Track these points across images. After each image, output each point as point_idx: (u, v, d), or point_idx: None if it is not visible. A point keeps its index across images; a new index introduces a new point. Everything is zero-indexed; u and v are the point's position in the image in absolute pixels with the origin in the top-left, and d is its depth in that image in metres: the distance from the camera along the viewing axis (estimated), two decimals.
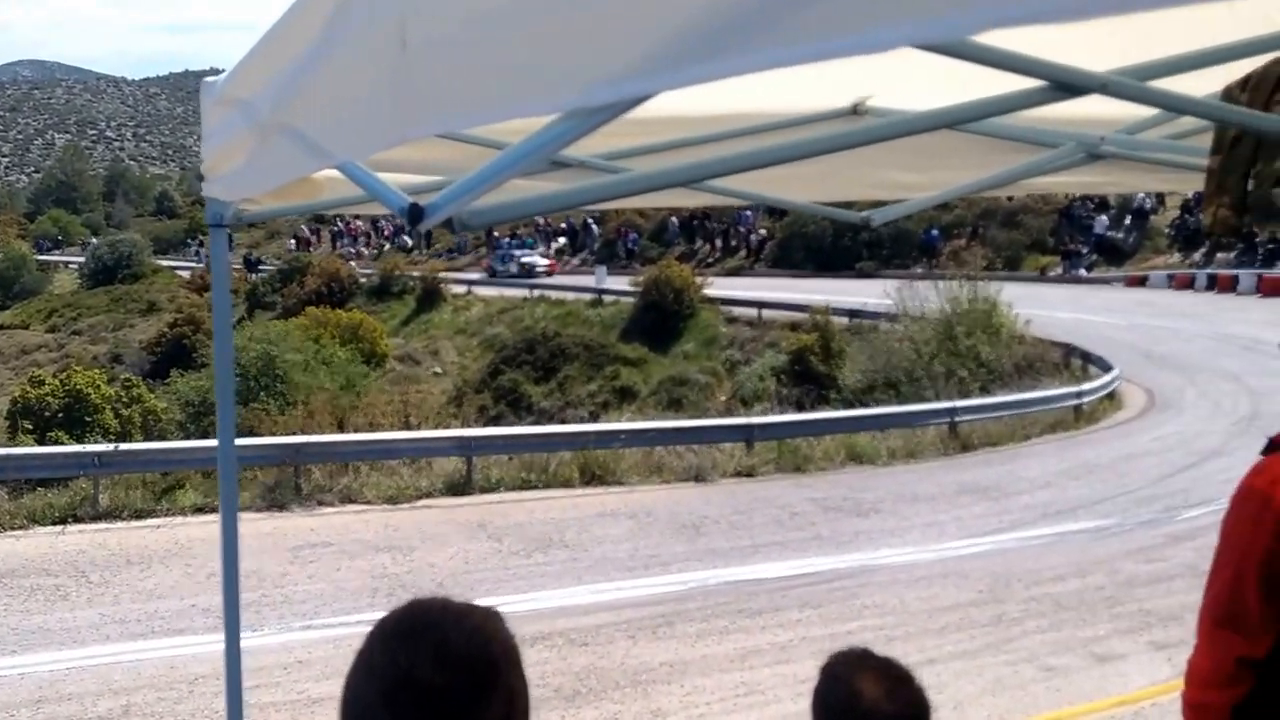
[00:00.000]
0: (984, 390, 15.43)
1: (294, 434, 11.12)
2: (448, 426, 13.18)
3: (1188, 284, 26.78)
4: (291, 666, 5.73)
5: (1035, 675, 5.59)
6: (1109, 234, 30.89)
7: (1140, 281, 28.16)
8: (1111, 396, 15.32)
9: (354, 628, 6.00)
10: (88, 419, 16.40)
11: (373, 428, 12.18)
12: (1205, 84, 1.34)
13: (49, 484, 9.84)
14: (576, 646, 6.04)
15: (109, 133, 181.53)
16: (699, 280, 27.57)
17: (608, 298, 29.45)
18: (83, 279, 47.54)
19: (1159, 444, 12.26)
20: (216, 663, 4.00)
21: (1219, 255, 28.11)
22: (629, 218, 37.16)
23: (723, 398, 21.43)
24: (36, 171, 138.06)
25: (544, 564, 7.78)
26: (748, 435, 11.76)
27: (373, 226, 46.72)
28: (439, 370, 27.24)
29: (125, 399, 17.58)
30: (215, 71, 1.89)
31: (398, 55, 0.76)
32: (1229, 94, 1.37)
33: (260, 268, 42.17)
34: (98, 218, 77.90)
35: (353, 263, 39.31)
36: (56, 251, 61.95)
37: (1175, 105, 1.25)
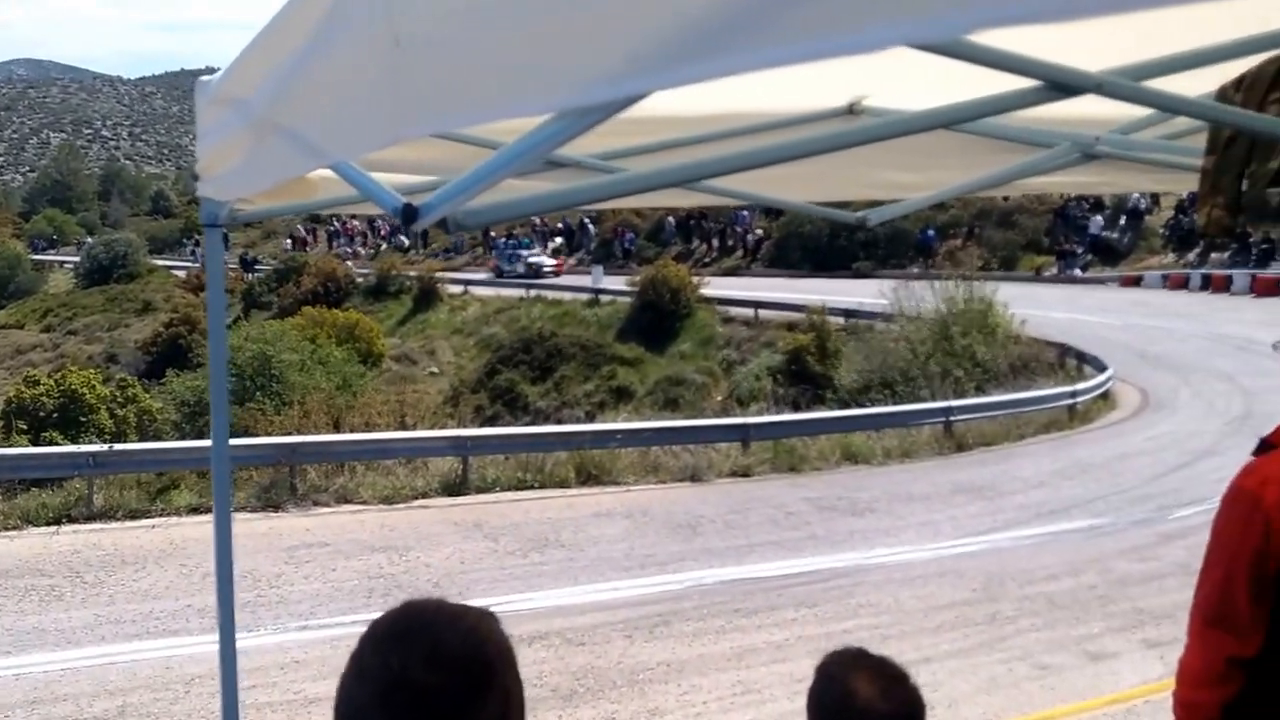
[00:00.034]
0: (979, 390, 15.46)
1: (290, 434, 11.10)
2: (444, 426, 13.16)
3: (1182, 284, 26.85)
4: (288, 666, 5.72)
5: (1029, 673, 5.60)
6: (1104, 234, 30.96)
7: (1135, 281, 28.23)
8: (1106, 396, 15.37)
9: (350, 628, 5.99)
10: (82, 419, 16.35)
11: (369, 428, 12.16)
12: (1200, 84, 1.35)
13: (44, 484, 9.82)
14: (573, 646, 6.04)
15: (104, 132, 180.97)
16: (695, 280, 27.58)
17: (604, 297, 29.46)
18: (78, 278, 47.42)
19: (1152, 443, 12.29)
20: (212, 663, 3.99)
21: (1213, 255, 28.18)
22: (626, 217, 37.16)
23: (719, 397, 21.43)
24: (32, 171, 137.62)
25: (540, 564, 7.78)
26: (743, 435, 11.76)
27: (369, 226, 46.66)
28: (435, 370, 27.21)
29: (120, 399, 17.53)
30: (211, 71, 1.89)
31: (392, 55, 0.76)
32: (1223, 94, 1.37)
33: (256, 267, 42.08)
34: (93, 217, 77.64)
35: (349, 262, 39.25)
36: (51, 251, 61.79)
37: (1170, 105, 1.25)
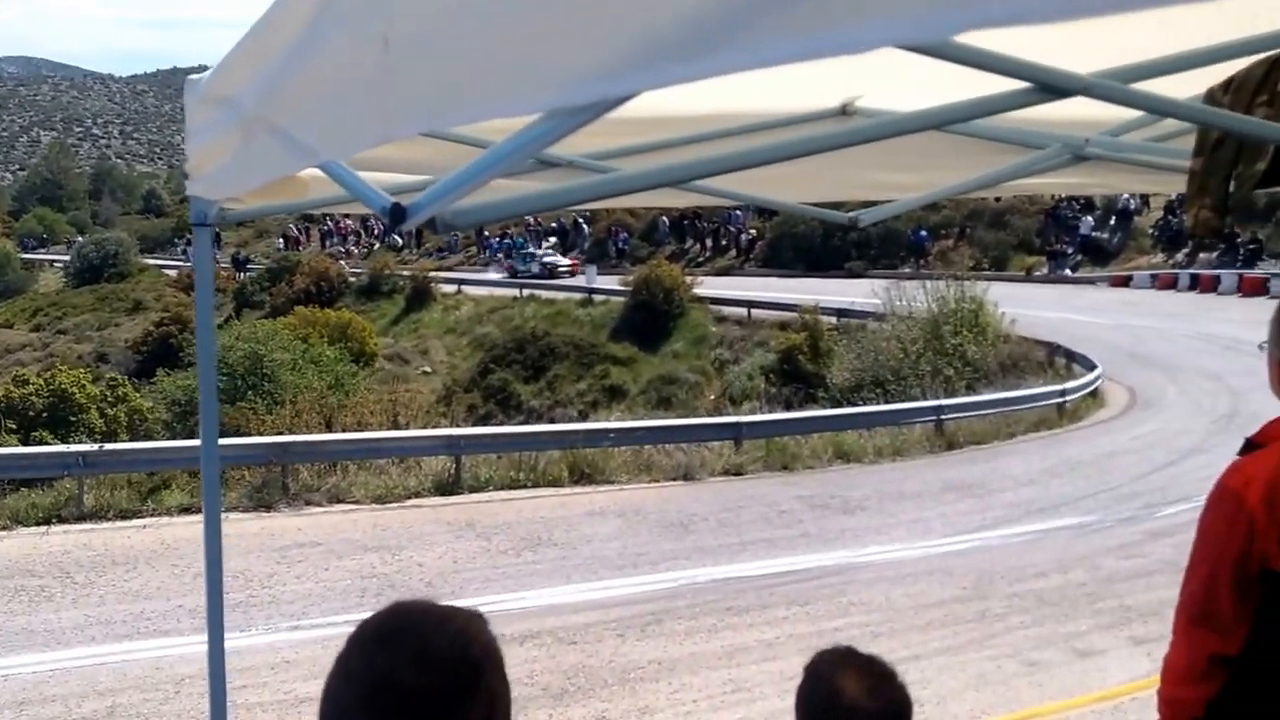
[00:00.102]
0: (969, 389, 15.52)
1: (281, 433, 11.06)
2: (436, 426, 13.14)
3: (1171, 284, 27.01)
4: (279, 666, 5.70)
5: (1018, 670, 5.63)
6: (1094, 234, 31.13)
7: (1124, 281, 28.38)
8: (1094, 395, 15.44)
9: (342, 628, 5.96)
10: (72, 419, 16.28)
11: (361, 427, 12.12)
12: (1188, 87, 1.35)
13: (33, 484, 9.76)
14: (565, 645, 6.04)
15: (95, 130, 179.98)
16: (689, 280, 27.61)
17: (598, 297, 29.45)
18: (68, 278, 47.17)
19: (1140, 442, 12.36)
20: (203, 663, 3.97)
21: (1201, 256, 28.35)
22: (619, 217, 37.16)
23: (712, 396, 21.46)
24: (22, 169, 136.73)
25: (533, 563, 7.77)
26: (736, 434, 11.78)
27: (362, 225, 46.53)
28: (428, 369, 27.17)
29: (111, 398, 17.46)
30: (203, 69, 1.88)
31: (381, 54, 0.76)
32: (1211, 97, 1.38)
33: (249, 266, 41.93)
34: (84, 216, 77.19)
35: (342, 262, 39.14)
36: (42, 250, 61.46)
37: (1158, 108, 1.26)
